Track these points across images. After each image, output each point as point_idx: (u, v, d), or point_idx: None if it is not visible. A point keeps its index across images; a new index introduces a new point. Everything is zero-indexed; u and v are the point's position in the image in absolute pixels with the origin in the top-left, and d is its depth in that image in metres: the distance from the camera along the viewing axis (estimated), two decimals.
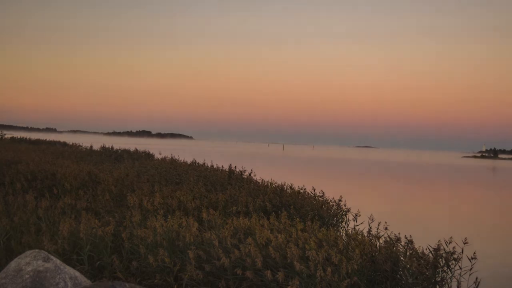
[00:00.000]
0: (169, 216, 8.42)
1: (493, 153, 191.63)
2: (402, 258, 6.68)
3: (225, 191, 11.74)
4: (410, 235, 7.07)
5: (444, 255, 6.46)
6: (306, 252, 6.30)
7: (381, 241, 7.38)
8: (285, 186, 12.94)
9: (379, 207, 20.67)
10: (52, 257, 5.74)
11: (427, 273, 6.31)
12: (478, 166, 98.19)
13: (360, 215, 9.63)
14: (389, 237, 7.34)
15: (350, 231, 8.60)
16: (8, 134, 43.33)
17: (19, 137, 39.47)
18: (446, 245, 6.63)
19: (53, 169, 13.90)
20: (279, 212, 9.40)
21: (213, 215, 8.40)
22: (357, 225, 9.15)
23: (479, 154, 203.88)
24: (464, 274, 6.52)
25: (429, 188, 36.39)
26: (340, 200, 11.29)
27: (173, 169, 16.27)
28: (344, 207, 11.06)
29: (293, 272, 6.06)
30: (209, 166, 17.86)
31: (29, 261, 5.57)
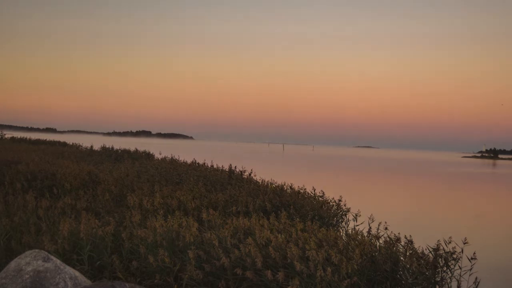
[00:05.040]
0: (169, 216, 8.42)
1: (493, 153, 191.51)
2: (402, 258, 6.69)
3: (225, 191, 11.75)
4: (410, 235, 7.08)
5: (443, 255, 6.47)
6: (306, 252, 6.30)
7: (381, 241, 7.39)
8: (285, 186, 12.94)
9: (379, 206, 20.67)
10: (52, 257, 5.75)
11: (427, 273, 6.32)
12: (477, 165, 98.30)
13: (360, 215, 9.63)
14: (389, 237, 7.34)
15: (350, 231, 8.61)
16: (8, 134, 43.30)
17: (19, 137, 39.44)
18: (446, 245, 6.64)
19: (53, 169, 13.90)
20: (279, 212, 9.40)
21: (213, 215, 8.41)
22: (357, 225, 9.15)
23: (479, 154, 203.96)
24: (464, 274, 6.52)
25: (429, 188, 36.40)
26: (340, 200, 11.30)
27: (173, 169, 16.26)
28: (344, 207, 11.07)
29: (293, 272, 6.07)
30: (209, 166, 17.85)
31: (29, 261, 5.58)
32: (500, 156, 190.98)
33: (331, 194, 12.11)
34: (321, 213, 10.45)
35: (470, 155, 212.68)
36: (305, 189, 12.58)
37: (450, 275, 6.45)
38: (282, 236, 7.00)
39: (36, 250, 5.79)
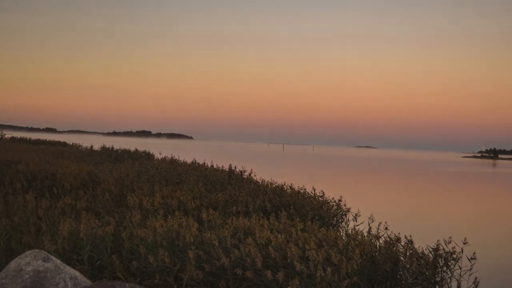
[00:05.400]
0: (169, 216, 8.42)
1: (493, 153, 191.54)
2: (402, 258, 6.69)
3: (225, 191, 11.75)
4: (410, 235, 7.08)
5: (443, 255, 6.47)
6: (306, 252, 6.30)
7: (381, 241, 7.39)
8: (285, 186, 12.94)
9: (379, 206, 20.67)
10: (52, 257, 5.74)
11: (427, 273, 6.32)
12: (477, 165, 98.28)
13: (360, 215, 9.63)
14: (389, 237, 7.34)
15: (350, 231, 8.60)
16: (8, 134, 43.29)
17: (19, 137, 39.44)
18: (446, 245, 6.64)
19: (53, 169, 13.90)
20: (279, 212, 9.40)
21: (213, 215, 8.41)
22: (357, 225, 9.15)
23: (479, 154, 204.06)
24: (464, 274, 6.52)
25: (428, 187, 36.40)
26: (340, 200, 11.29)
27: (173, 169, 16.26)
28: (344, 207, 11.06)
29: (293, 272, 6.07)
30: (209, 166, 17.85)
31: (29, 261, 5.58)
32: (500, 156, 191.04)
33: (331, 194, 12.11)
34: (321, 213, 10.45)
35: (470, 155, 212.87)
36: (305, 189, 12.58)
37: (450, 275, 6.45)
38: (282, 236, 6.99)
39: (36, 250, 5.79)
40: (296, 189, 12.66)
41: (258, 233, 7.02)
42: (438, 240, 6.67)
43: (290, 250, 6.27)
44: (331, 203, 11.30)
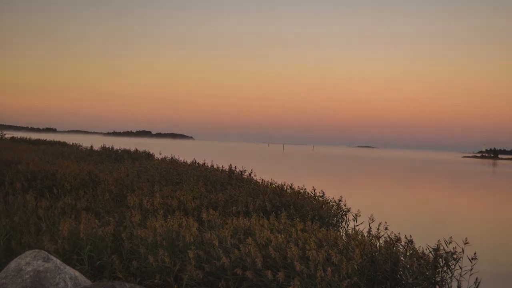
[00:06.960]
0: (169, 216, 8.42)
1: (493, 153, 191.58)
2: (402, 258, 6.68)
3: (225, 191, 11.74)
4: (410, 235, 7.07)
5: (444, 255, 6.47)
6: (306, 252, 6.30)
7: (381, 241, 7.38)
8: (285, 186, 12.93)
9: (379, 205, 20.66)
10: (52, 257, 5.74)
11: (427, 273, 6.31)
12: (477, 165, 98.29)
13: (360, 215, 9.62)
14: (389, 237, 7.34)
15: (350, 231, 8.60)
16: (8, 134, 43.29)
17: (19, 137, 39.44)
18: (446, 245, 6.63)
19: (53, 169, 13.89)
20: (279, 212, 9.40)
21: (213, 215, 8.40)
22: (357, 225, 9.15)
23: (479, 154, 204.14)
24: (464, 274, 6.52)
25: (428, 187, 36.40)
26: (340, 200, 11.29)
27: (173, 169, 16.25)
28: (344, 207, 11.06)
29: (293, 272, 6.06)
30: (209, 166, 17.83)
31: (29, 261, 5.57)
32: (500, 156, 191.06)
33: (331, 194, 12.11)
34: (321, 213, 10.44)
35: (470, 155, 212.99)
36: (305, 189, 12.57)
37: (450, 275, 6.44)
38: (282, 236, 6.99)
39: (36, 250, 5.79)
40: (296, 189, 12.66)
41: (258, 233, 7.02)
42: (438, 240, 6.67)
43: (290, 250, 6.27)
44: (331, 203, 11.30)
